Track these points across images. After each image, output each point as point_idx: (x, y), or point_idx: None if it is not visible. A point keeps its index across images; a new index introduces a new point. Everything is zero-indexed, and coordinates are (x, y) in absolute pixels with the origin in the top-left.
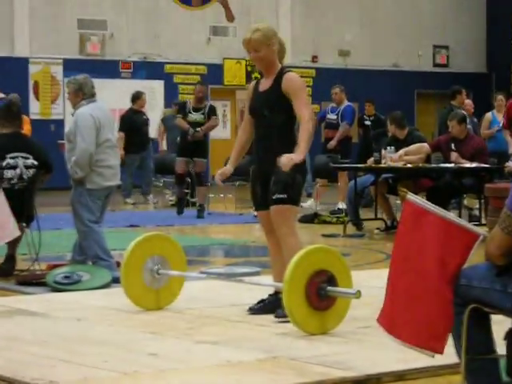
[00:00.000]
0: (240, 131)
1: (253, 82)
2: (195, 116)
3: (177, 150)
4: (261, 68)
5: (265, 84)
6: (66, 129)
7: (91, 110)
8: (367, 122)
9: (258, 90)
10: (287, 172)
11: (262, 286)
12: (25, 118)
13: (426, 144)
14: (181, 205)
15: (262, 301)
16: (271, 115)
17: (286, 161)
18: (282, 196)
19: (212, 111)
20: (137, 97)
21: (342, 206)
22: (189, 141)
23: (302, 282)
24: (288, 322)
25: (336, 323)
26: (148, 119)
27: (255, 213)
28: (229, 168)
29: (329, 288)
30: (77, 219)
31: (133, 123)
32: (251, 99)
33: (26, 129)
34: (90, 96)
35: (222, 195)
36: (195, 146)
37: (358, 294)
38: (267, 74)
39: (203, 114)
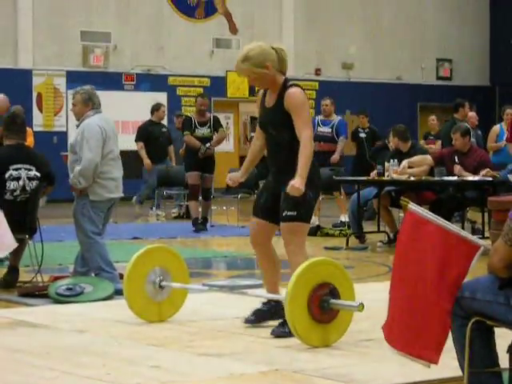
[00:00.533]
0: (253, 140)
1: (261, 91)
2: (202, 131)
3: (186, 165)
4: (261, 87)
5: (270, 99)
6: (69, 141)
7: (98, 120)
8: (362, 135)
9: (265, 104)
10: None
11: (265, 299)
12: (28, 130)
13: (429, 156)
14: (204, 222)
15: (258, 310)
16: (278, 134)
17: (294, 191)
18: (291, 213)
19: (218, 123)
20: (156, 108)
21: (344, 218)
22: (198, 157)
23: (304, 294)
24: (285, 337)
25: (338, 336)
26: (167, 131)
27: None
28: (240, 176)
29: (331, 301)
30: (79, 231)
31: (149, 134)
32: (260, 113)
33: (29, 141)
34: (98, 107)
35: (224, 208)
36: (205, 161)
37: (360, 307)
38: (270, 89)
39: (209, 127)
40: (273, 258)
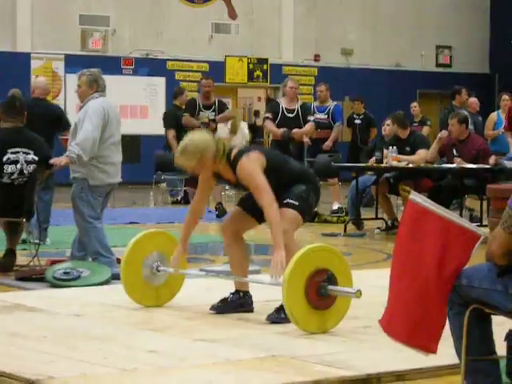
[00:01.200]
0: (192, 207)
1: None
2: (206, 114)
3: None
4: (203, 174)
5: (228, 176)
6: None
7: (103, 102)
8: (357, 121)
9: (225, 178)
10: (303, 188)
11: (262, 284)
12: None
13: (424, 152)
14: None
15: (224, 299)
16: None
17: (277, 270)
18: (293, 202)
19: (224, 106)
20: (179, 93)
21: (336, 206)
22: None
23: (301, 280)
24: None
25: (336, 322)
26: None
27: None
28: (183, 252)
29: (329, 287)
30: (78, 215)
31: (178, 120)
32: (226, 182)
33: None
34: (103, 90)
35: (222, 193)
36: None
37: (358, 293)
38: (218, 169)
39: (214, 111)
40: (243, 247)
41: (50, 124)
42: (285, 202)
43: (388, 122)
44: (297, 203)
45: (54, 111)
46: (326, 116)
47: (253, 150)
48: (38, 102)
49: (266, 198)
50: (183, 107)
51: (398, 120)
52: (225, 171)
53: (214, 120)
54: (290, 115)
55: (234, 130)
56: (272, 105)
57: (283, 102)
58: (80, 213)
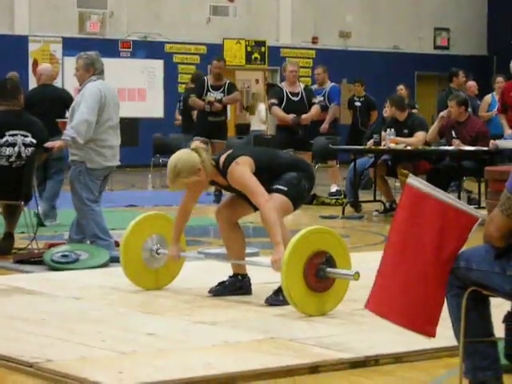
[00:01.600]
0: (182, 207)
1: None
2: (214, 94)
3: (194, 131)
4: (203, 189)
5: (222, 182)
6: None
7: (100, 85)
8: (357, 103)
9: (220, 184)
10: (293, 175)
11: (261, 267)
12: None
13: (423, 134)
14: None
15: (223, 282)
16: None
17: (278, 267)
18: (282, 187)
19: (233, 88)
20: (197, 77)
21: (335, 188)
22: (208, 120)
23: (300, 262)
24: (279, 305)
25: (334, 305)
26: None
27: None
28: (177, 250)
29: (327, 269)
30: (76, 198)
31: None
32: (221, 187)
33: None
34: (100, 73)
35: None
36: (214, 127)
37: (356, 276)
38: (211, 179)
39: (223, 92)
40: (238, 231)
41: (59, 108)
42: (273, 187)
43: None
44: (285, 188)
45: (61, 95)
46: (323, 98)
47: (240, 155)
48: (46, 88)
49: (259, 198)
50: None
51: (395, 102)
52: (216, 178)
53: (220, 100)
54: (295, 99)
55: (252, 112)
56: (275, 90)
57: (285, 87)
58: (78, 196)
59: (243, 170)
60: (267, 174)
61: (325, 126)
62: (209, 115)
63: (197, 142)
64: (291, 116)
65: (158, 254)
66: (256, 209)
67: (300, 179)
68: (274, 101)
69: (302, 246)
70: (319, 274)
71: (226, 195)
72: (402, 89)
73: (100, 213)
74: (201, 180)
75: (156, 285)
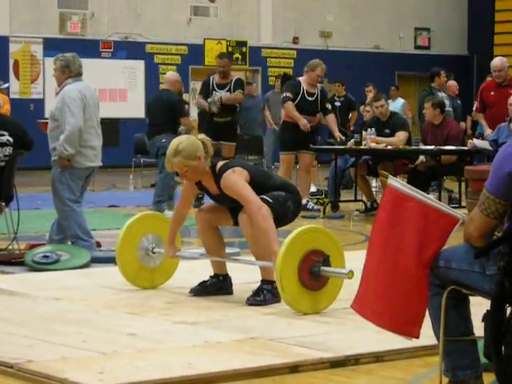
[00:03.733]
0: (179, 207)
1: (190, 184)
2: (220, 93)
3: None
4: (193, 180)
5: (211, 188)
6: (46, 108)
7: (77, 86)
8: (337, 103)
9: (209, 191)
10: (281, 194)
11: (243, 266)
12: (5, 97)
13: (403, 134)
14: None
15: (203, 282)
16: (238, 204)
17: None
18: (268, 199)
19: (237, 85)
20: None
21: (315, 188)
22: (214, 121)
23: (295, 260)
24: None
25: (328, 303)
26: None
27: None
28: (173, 251)
29: (322, 268)
30: (57, 198)
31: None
32: (208, 194)
33: (6, 109)
34: (77, 75)
35: None
36: (221, 127)
37: (350, 274)
38: (203, 179)
39: (229, 90)
40: (217, 233)
41: (172, 111)
42: (259, 197)
43: (367, 108)
44: (271, 201)
45: (173, 99)
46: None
47: (238, 166)
48: (163, 92)
49: (253, 206)
50: None
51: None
52: (208, 182)
53: (221, 100)
54: (310, 99)
55: None
56: (293, 84)
57: (304, 84)
58: (59, 196)
59: (238, 177)
60: (258, 192)
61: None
62: (214, 115)
63: (203, 135)
64: (305, 122)
65: (154, 253)
66: (236, 223)
67: (287, 199)
68: (289, 95)
69: (296, 245)
70: (314, 273)
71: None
72: (370, 90)
73: (81, 213)
74: (197, 168)
75: (151, 284)
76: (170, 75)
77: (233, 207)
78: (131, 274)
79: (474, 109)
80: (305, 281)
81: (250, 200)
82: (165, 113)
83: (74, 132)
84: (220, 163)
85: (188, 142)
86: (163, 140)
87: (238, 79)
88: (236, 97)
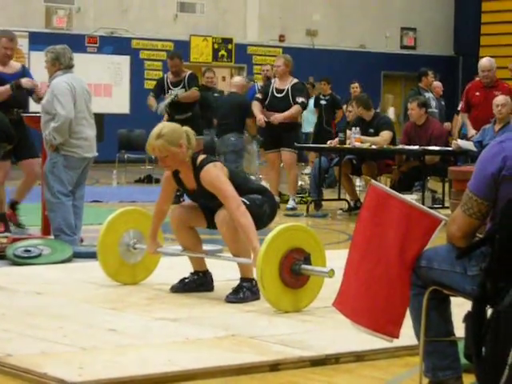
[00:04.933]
0: (158, 206)
1: (168, 175)
2: (175, 91)
3: None
4: (171, 167)
5: (189, 182)
6: (32, 102)
7: (66, 79)
8: (322, 102)
9: (185, 186)
10: (258, 197)
11: (224, 263)
12: None
13: (388, 133)
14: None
15: (183, 279)
16: (212, 202)
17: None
18: (244, 201)
19: (192, 81)
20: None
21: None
22: (176, 119)
23: (276, 258)
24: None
25: (309, 301)
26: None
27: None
28: (154, 247)
29: (303, 266)
30: (47, 189)
31: (203, 100)
32: (186, 193)
33: None
34: (67, 67)
35: None
36: (184, 124)
37: (331, 273)
38: (181, 170)
39: (184, 87)
40: (192, 231)
41: (241, 113)
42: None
43: (350, 108)
44: (248, 203)
45: (241, 101)
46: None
47: (218, 161)
48: (231, 95)
49: (232, 202)
50: (212, 86)
51: (361, 102)
52: (186, 175)
53: (176, 97)
54: (279, 95)
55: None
56: (265, 84)
57: (276, 82)
58: (49, 187)
59: (219, 172)
60: (237, 193)
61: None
62: (175, 113)
63: (187, 127)
64: (259, 117)
65: (135, 248)
66: (209, 225)
67: (263, 203)
68: (258, 95)
69: (278, 243)
70: (294, 271)
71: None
72: (356, 87)
73: (69, 208)
74: (177, 155)
75: (133, 279)
76: (238, 79)
77: (207, 208)
78: (112, 269)
79: (459, 108)
80: (286, 279)
81: (230, 196)
82: (234, 114)
83: (64, 123)
84: (201, 156)
85: (172, 128)
86: (232, 138)
87: (190, 74)
88: (192, 94)
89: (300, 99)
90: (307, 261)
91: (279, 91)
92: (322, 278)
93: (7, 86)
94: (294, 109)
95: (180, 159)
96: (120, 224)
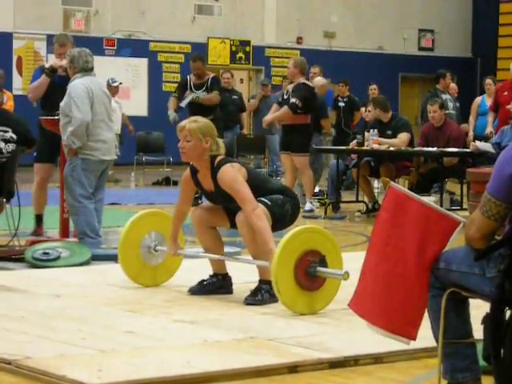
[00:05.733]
0: (178, 207)
1: (186, 176)
2: (197, 93)
3: None
4: (186, 155)
5: (206, 183)
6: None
7: (84, 81)
8: (341, 104)
9: (203, 186)
10: (279, 197)
11: (243, 266)
12: (8, 93)
13: (406, 135)
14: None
15: (202, 281)
16: (232, 204)
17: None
18: (266, 201)
19: (214, 85)
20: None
21: (317, 188)
22: None
23: (292, 260)
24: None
25: (325, 304)
26: (238, 98)
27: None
28: (175, 249)
29: (318, 268)
30: (68, 194)
31: (221, 102)
32: (204, 193)
33: (9, 105)
34: (83, 70)
35: None
36: None
37: (346, 276)
38: (198, 165)
39: (206, 90)
40: (214, 232)
41: (317, 113)
42: (257, 199)
43: (369, 108)
44: (269, 203)
45: (320, 102)
46: None
47: (236, 162)
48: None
49: (248, 205)
50: (231, 88)
51: (379, 104)
52: (204, 175)
53: (197, 99)
54: (285, 97)
55: None
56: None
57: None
58: (71, 191)
59: (236, 173)
60: (255, 194)
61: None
62: (195, 115)
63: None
64: (265, 118)
65: (156, 250)
66: (232, 225)
67: (285, 202)
68: (279, 99)
69: (293, 245)
70: (310, 273)
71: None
72: (374, 88)
73: (92, 210)
74: (197, 147)
75: (154, 281)
76: (318, 80)
77: (229, 209)
78: (133, 271)
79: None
80: (301, 281)
81: (246, 198)
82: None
83: (81, 126)
84: (220, 157)
85: (209, 123)
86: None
87: (213, 77)
88: (213, 98)
89: (292, 100)
90: (323, 263)
91: (287, 93)
92: (339, 281)
93: (43, 75)
94: (281, 110)
95: (198, 153)
96: (141, 226)
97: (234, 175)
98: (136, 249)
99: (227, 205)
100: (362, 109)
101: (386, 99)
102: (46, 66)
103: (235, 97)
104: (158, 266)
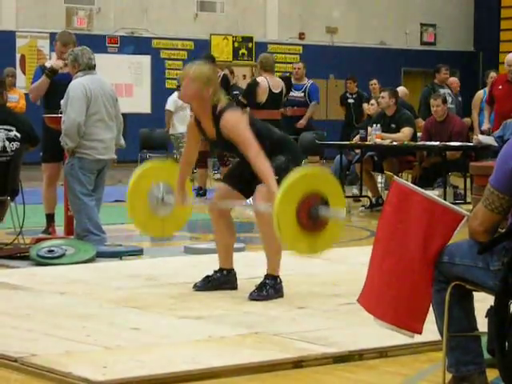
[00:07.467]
0: (185, 152)
1: (191, 123)
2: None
3: None
4: (188, 99)
5: (209, 130)
6: None
7: (84, 80)
8: (350, 100)
9: (206, 135)
10: (282, 159)
11: (249, 261)
12: (20, 92)
13: (409, 130)
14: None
15: (207, 277)
16: (236, 151)
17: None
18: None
19: (223, 83)
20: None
21: None
22: None
23: (293, 201)
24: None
25: (326, 246)
26: (238, 94)
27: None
28: (183, 199)
29: (319, 208)
30: (69, 192)
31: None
32: (208, 143)
33: (21, 103)
34: (86, 68)
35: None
36: None
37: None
38: (201, 116)
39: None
40: (230, 225)
41: None
42: None
43: (372, 101)
44: (277, 177)
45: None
46: (303, 94)
47: (239, 109)
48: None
49: (252, 149)
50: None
51: (395, 94)
52: (207, 123)
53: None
54: (275, 91)
55: None
56: None
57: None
58: (71, 189)
59: (239, 118)
60: (258, 140)
61: (302, 122)
62: None
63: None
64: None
65: (164, 201)
66: (247, 196)
67: (288, 163)
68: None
69: (296, 186)
70: (311, 212)
71: (215, 188)
72: (375, 83)
73: (93, 207)
74: (199, 94)
75: (162, 233)
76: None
77: (243, 183)
78: (142, 222)
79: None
80: (303, 221)
81: (249, 143)
82: None
83: (71, 127)
84: (222, 103)
85: (216, 76)
86: None
87: (223, 76)
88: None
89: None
90: (325, 205)
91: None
92: (341, 225)
93: (42, 76)
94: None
95: (198, 98)
96: (149, 176)
97: (237, 120)
98: (144, 199)
99: (229, 152)
100: (365, 104)
101: (397, 90)
102: (47, 65)
103: (236, 92)
104: (166, 217)
